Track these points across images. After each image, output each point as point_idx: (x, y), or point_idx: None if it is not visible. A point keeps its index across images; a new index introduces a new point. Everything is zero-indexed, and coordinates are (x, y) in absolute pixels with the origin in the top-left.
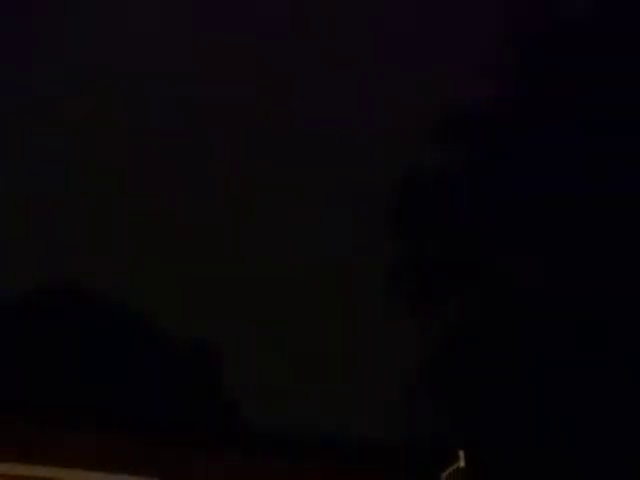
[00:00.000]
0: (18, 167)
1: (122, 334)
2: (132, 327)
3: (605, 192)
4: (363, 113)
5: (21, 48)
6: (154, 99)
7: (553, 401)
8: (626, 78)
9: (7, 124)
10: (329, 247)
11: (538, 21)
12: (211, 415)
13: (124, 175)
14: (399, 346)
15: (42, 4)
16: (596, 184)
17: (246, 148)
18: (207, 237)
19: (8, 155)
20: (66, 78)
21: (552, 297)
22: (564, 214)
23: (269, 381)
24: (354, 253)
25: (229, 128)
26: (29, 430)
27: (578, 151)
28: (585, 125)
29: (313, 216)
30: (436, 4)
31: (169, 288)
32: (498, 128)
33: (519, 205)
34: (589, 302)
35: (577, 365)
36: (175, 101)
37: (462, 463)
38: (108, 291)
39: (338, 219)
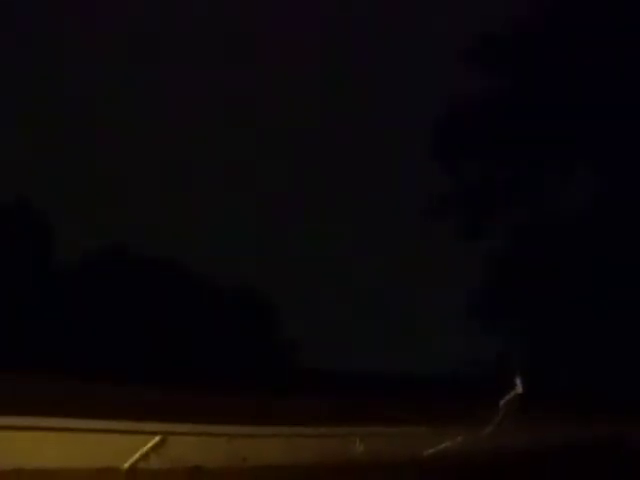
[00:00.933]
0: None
1: (174, 290)
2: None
3: None
4: (400, 46)
5: None
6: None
7: (611, 330)
8: None
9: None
10: (379, 176)
11: None
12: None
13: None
14: (453, 271)
15: None
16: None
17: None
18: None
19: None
20: None
21: (600, 219)
22: (611, 132)
23: (328, 322)
24: (403, 182)
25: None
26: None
27: (619, 63)
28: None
29: (360, 147)
30: None
31: (213, 239)
32: (536, 47)
33: (562, 125)
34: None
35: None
36: None
37: (520, 390)
38: (156, 251)
39: (384, 150)
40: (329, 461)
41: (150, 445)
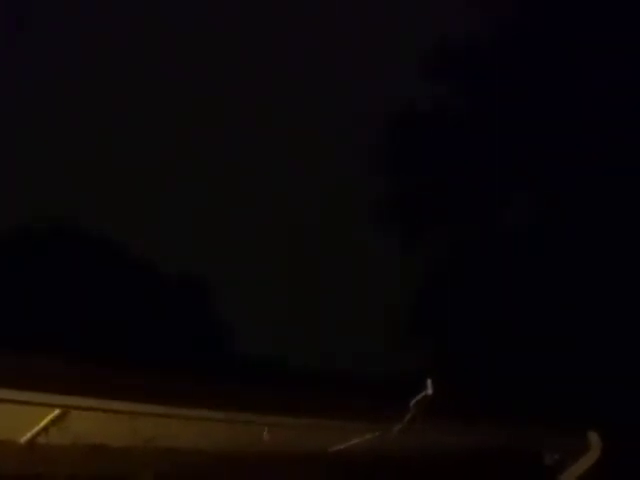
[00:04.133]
0: None
1: (110, 268)
2: (120, 261)
3: (598, 125)
4: (351, 48)
5: None
6: None
7: (534, 334)
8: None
9: None
10: (317, 181)
11: None
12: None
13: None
14: (385, 279)
15: None
16: (588, 114)
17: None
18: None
19: None
20: None
21: (541, 233)
22: (554, 148)
23: (262, 312)
24: (340, 189)
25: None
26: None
27: (567, 82)
28: (576, 57)
29: (301, 151)
30: None
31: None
32: (486, 61)
33: (507, 139)
34: (579, 237)
35: (568, 302)
36: None
37: (430, 391)
38: (96, 227)
39: (325, 154)
40: (235, 448)
41: (50, 418)
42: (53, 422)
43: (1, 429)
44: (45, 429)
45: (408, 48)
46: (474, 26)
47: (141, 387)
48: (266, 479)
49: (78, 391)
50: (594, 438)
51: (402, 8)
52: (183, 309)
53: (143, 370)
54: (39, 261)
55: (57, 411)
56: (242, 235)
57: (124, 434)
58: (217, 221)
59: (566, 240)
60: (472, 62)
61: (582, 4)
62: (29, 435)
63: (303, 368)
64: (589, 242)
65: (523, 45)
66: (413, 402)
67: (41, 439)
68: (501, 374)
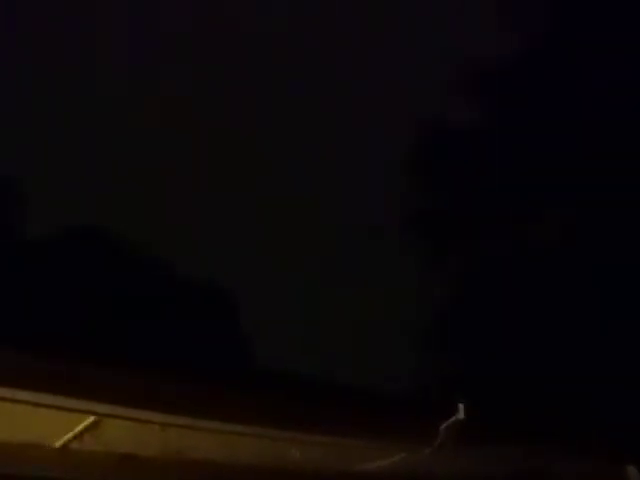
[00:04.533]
0: None
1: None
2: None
3: (628, 145)
4: (383, 66)
5: None
6: None
7: (558, 358)
8: None
9: None
10: (345, 196)
11: None
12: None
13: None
14: (410, 294)
15: None
16: (620, 135)
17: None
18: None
19: None
20: None
21: (566, 252)
22: (581, 168)
23: (292, 327)
24: (370, 201)
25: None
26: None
27: (598, 102)
28: (608, 78)
29: (332, 167)
30: None
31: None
32: (516, 80)
33: (536, 158)
34: (604, 257)
35: (584, 320)
36: None
37: (461, 415)
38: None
39: (356, 170)
40: (263, 464)
41: (84, 425)
42: (87, 429)
43: (36, 433)
44: (79, 435)
45: (440, 67)
46: (505, 47)
47: (174, 398)
48: None
49: (113, 400)
50: (633, 473)
51: (434, 27)
52: (219, 320)
53: (176, 381)
54: (79, 265)
55: (92, 418)
56: (269, 248)
57: (154, 444)
58: (245, 232)
59: (593, 258)
60: (502, 82)
61: (615, 27)
62: (63, 440)
63: (333, 386)
64: (617, 259)
65: (554, 66)
66: (443, 426)
67: (74, 445)
68: (537, 400)
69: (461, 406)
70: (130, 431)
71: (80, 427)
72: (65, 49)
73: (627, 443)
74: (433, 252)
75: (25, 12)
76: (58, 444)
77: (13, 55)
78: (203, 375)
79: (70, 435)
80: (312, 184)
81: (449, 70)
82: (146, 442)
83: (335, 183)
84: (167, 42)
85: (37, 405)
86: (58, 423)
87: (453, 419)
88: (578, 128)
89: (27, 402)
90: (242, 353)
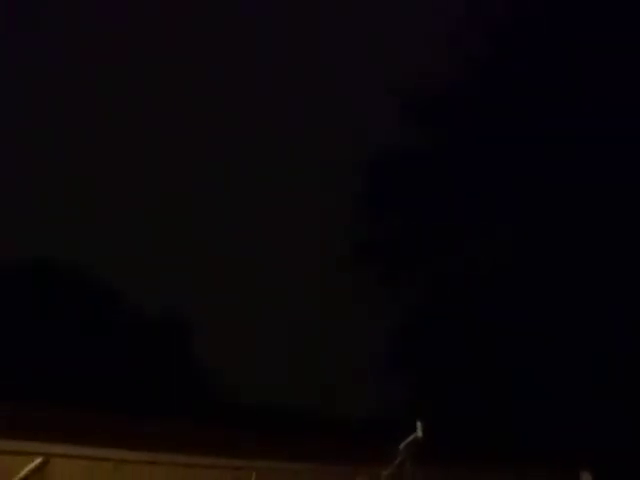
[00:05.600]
0: None
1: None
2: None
3: (575, 162)
4: (330, 95)
5: None
6: None
7: (515, 374)
8: (598, 52)
9: None
10: (298, 227)
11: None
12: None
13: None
14: (365, 320)
15: None
16: (567, 153)
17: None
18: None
19: None
20: None
21: (516, 276)
22: (529, 194)
23: (238, 352)
24: (322, 232)
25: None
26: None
27: (547, 125)
28: (557, 101)
29: (282, 194)
30: None
31: (135, 259)
32: (465, 110)
33: (485, 186)
34: (550, 280)
35: (556, 335)
36: None
37: (420, 433)
38: (75, 264)
39: (307, 200)
40: None
41: (32, 467)
42: (34, 471)
43: None
44: (25, 479)
45: (390, 95)
46: (456, 73)
47: (126, 434)
48: None
49: (60, 438)
50: (586, 478)
51: (385, 55)
52: (169, 354)
53: (127, 416)
54: (15, 299)
55: (39, 459)
56: (226, 280)
57: None
58: (201, 264)
59: (546, 272)
60: (453, 107)
61: (564, 51)
62: None
63: (290, 413)
64: (570, 273)
65: (504, 89)
66: (403, 445)
67: None
68: (491, 416)
69: (419, 424)
70: (81, 470)
71: (27, 469)
72: None
73: (581, 451)
74: (385, 280)
75: None
76: None
77: None
78: (157, 410)
79: (16, 479)
80: (264, 215)
81: (401, 99)
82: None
83: (286, 215)
84: None
85: None
86: (3, 466)
87: (412, 437)
88: (526, 152)
89: None
90: (194, 386)
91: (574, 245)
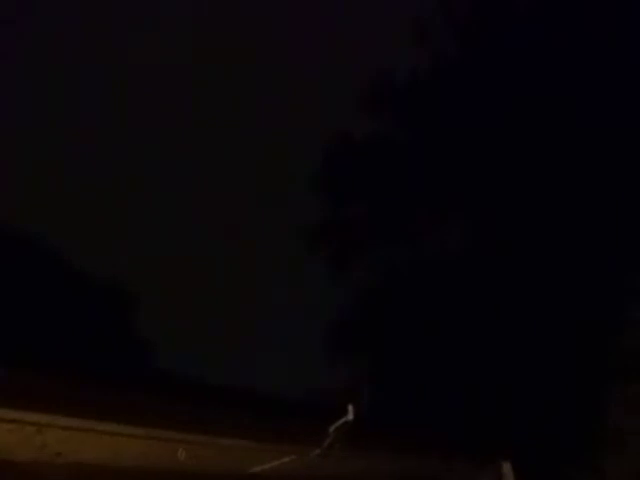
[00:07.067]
0: None
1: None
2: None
3: (532, 151)
4: (294, 79)
5: None
6: None
7: (451, 364)
8: (562, 45)
9: None
10: (256, 206)
11: None
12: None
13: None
14: (314, 302)
15: None
16: (523, 143)
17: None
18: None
19: None
20: None
21: (473, 262)
22: (487, 180)
23: (184, 329)
24: (277, 213)
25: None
26: None
27: (504, 115)
28: (514, 90)
29: (242, 179)
30: None
31: (81, 225)
32: (426, 96)
33: (442, 171)
34: (506, 269)
35: (495, 325)
36: None
37: (350, 417)
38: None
39: (265, 181)
40: (150, 466)
41: None
42: None
43: None
44: None
45: (347, 81)
46: (412, 60)
47: (52, 398)
48: None
49: None
50: (507, 469)
51: (344, 41)
52: (104, 320)
53: (55, 379)
54: None
55: None
56: (171, 251)
57: (31, 448)
58: (145, 234)
59: (498, 263)
60: (409, 95)
61: (521, 40)
62: None
63: (222, 388)
64: (520, 264)
65: (460, 79)
66: (333, 427)
67: None
68: (420, 404)
69: (350, 408)
70: (2, 435)
71: None
72: None
73: (501, 443)
74: (338, 262)
75: None
76: None
77: None
78: (86, 374)
79: None
80: (219, 195)
81: (358, 85)
82: (21, 445)
83: (241, 196)
84: None
85: None
86: None
87: (342, 420)
88: (485, 139)
89: None
90: (127, 352)
91: (530, 228)
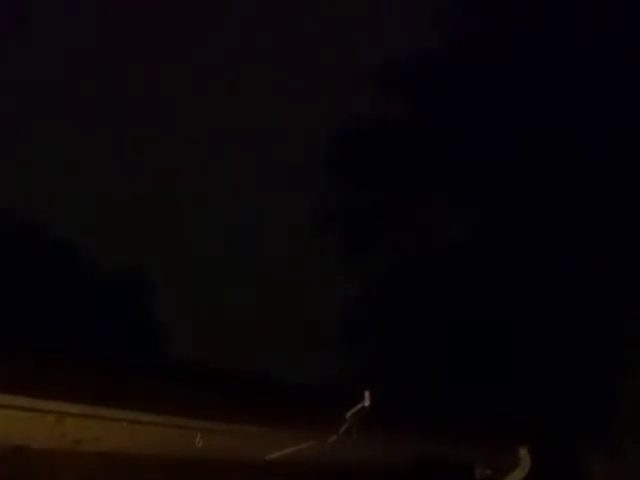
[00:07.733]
0: None
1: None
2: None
3: (541, 143)
4: (300, 63)
5: None
6: None
7: (467, 350)
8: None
9: None
10: (264, 193)
11: None
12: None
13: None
14: (324, 289)
15: None
16: (533, 134)
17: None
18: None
19: None
20: None
21: (481, 250)
22: (498, 169)
23: (202, 316)
24: (288, 199)
25: None
26: None
27: (516, 103)
28: (527, 77)
29: (249, 163)
30: None
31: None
32: (436, 79)
33: (453, 157)
34: (517, 257)
35: (501, 316)
36: None
37: (367, 403)
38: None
39: (274, 167)
40: (167, 453)
41: None
42: None
43: None
44: None
45: (359, 64)
46: (425, 43)
47: (70, 385)
48: None
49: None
50: (524, 454)
51: (354, 24)
52: (122, 308)
53: (72, 368)
54: None
55: None
56: (184, 237)
57: (49, 436)
58: (160, 219)
59: (502, 255)
60: (422, 79)
61: (534, 26)
62: None
63: (239, 374)
64: (523, 255)
65: (473, 64)
66: (349, 413)
67: None
68: (436, 389)
69: (367, 393)
70: (20, 422)
71: None
72: None
73: (518, 429)
74: (350, 250)
75: None
76: None
77: None
78: (104, 363)
79: None
80: (230, 180)
81: (369, 68)
82: (39, 433)
83: (252, 181)
84: None
85: None
86: None
87: (359, 406)
88: (496, 128)
89: None
90: (147, 341)
91: (537, 217)
